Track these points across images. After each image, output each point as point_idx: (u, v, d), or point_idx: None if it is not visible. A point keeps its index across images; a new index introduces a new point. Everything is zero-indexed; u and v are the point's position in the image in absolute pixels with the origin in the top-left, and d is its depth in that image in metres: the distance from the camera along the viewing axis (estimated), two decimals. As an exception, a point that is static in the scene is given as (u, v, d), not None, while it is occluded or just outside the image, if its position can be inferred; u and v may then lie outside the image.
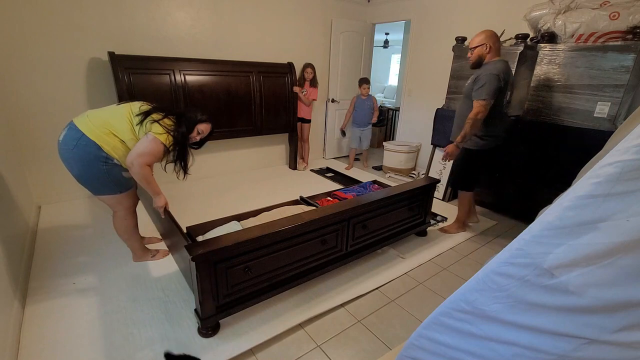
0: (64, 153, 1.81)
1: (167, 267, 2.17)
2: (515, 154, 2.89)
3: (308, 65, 4.02)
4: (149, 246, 2.40)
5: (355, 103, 4.38)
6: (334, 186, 3.72)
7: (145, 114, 1.82)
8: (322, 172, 4.33)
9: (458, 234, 2.79)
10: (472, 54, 2.30)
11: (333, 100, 4.74)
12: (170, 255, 2.29)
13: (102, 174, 1.83)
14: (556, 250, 0.72)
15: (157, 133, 1.79)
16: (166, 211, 1.98)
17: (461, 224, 2.79)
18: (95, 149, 1.77)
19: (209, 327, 1.63)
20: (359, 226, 2.13)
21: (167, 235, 2.21)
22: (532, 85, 2.81)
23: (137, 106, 1.88)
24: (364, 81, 4.31)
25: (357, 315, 1.85)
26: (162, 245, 2.45)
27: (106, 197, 1.94)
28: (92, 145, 1.76)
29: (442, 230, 2.80)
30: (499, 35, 2.31)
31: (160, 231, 2.49)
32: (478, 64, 2.31)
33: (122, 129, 1.81)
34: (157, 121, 1.81)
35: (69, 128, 1.81)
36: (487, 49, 2.24)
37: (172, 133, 1.84)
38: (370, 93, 4.41)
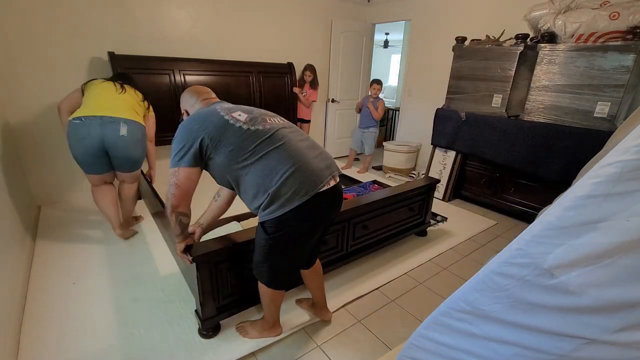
0: (130, 144, 2.18)
1: (167, 267, 2.17)
2: (515, 154, 2.89)
3: (307, 68, 4.01)
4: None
5: (362, 103, 4.20)
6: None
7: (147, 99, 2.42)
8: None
9: (458, 235, 2.79)
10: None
11: (333, 101, 4.74)
12: (170, 255, 2.31)
13: (145, 146, 2.34)
14: (556, 251, 0.72)
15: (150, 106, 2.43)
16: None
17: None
18: (143, 130, 2.29)
19: (209, 328, 1.63)
20: (359, 226, 2.13)
21: (170, 237, 2.21)
22: (532, 85, 2.82)
23: (132, 89, 2.35)
24: (374, 82, 4.04)
25: (357, 315, 1.85)
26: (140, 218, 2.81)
27: (139, 170, 2.40)
28: (143, 128, 2.28)
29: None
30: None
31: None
32: None
33: (137, 108, 2.30)
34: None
35: (126, 122, 2.14)
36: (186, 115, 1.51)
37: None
38: (379, 96, 4.16)
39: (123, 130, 2.12)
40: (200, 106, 1.44)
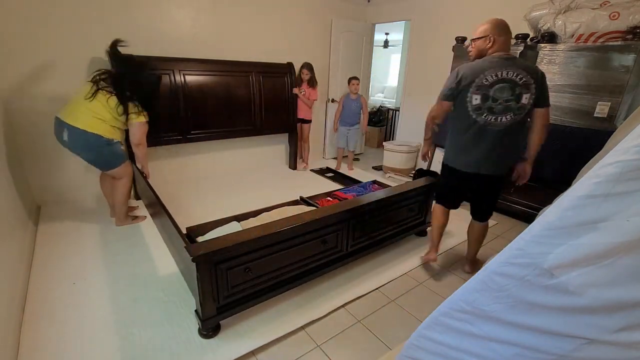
0: (74, 148, 2.30)
1: (167, 267, 2.17)
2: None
3: (304, 66, 4.01)
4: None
5: (344, 102, 4.29)
6: (334, 186, 3.72)
7: (124, 108, 2.33)
8: (322, 172, 4.33)
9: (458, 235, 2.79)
10: (473, 47, 1.91)
11: (333, 100, 4.73)
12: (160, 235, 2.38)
13: (109, 153, 2.37)
14: (556, 251, 0.72)
15: (134, 113, 2.36)
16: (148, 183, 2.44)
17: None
18: (97, 139, 2.27)
19: (209, 328, 1.63)
20: (359, 226, 2.13)
21: (169, 237, 2.21)
22: (532, 85, 2.81)
23: (105, 97, 2.30)
24: (353, 78, 4.17)
25: (357, 315, 1.85)
26: (139, 212, 2.90)
27: (117, 169, 2.44)
28: (95, 137, 2.25)
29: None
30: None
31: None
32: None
33: (105, 116, 2.29)
34: (133, 113, 2.36)
35: (68, 128, 2.23)
36: (490, 42, 1.84)
37: (143, 112, 2.42)
38: (359, 93, 4.28)
39: (65, 136, 2.28)
40: (495, 50, 1.84)
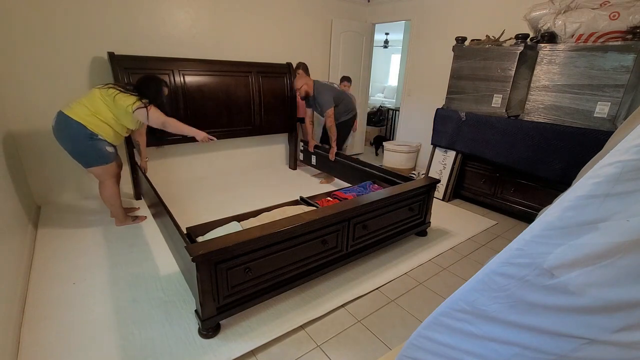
0: (57, 134, 2.30)
1: (167, 267, 2.18)
2: (515, 154, 2.89)
3: (299, 67, 4.01)
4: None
5: None
6: (334, 186, 3.72)
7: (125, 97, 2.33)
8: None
9: (458, 234, 2.79)
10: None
11: (333, 101, 4.73)
12: (163, 239, 2.32)
13: (90, 148, 2.31)
14: (556, 250, 0.72)
15: (134, 104, 2.31)
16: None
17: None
18: (81, 128, 2.24)
19: (209, 328, 1.63)
20: (359, 226, 2.13)
21: (170, 237, 2.22)
22: (532, 85, 2.81)
23: (106, 91, 2.32)
24: (344, 79, 4.16)
25: (357, 315, 1.85)
26: (140, 213, 2.89)
27: (95, 169, 2.40)
28: (77, 125, 2.24)
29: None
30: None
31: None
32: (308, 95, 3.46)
33: (100, 109, 2.29)
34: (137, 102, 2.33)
35: (58, 115, 2.29)
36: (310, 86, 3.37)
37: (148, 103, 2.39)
38: (351, 93, 4.24)
39: (53, 122, 2.29)
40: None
